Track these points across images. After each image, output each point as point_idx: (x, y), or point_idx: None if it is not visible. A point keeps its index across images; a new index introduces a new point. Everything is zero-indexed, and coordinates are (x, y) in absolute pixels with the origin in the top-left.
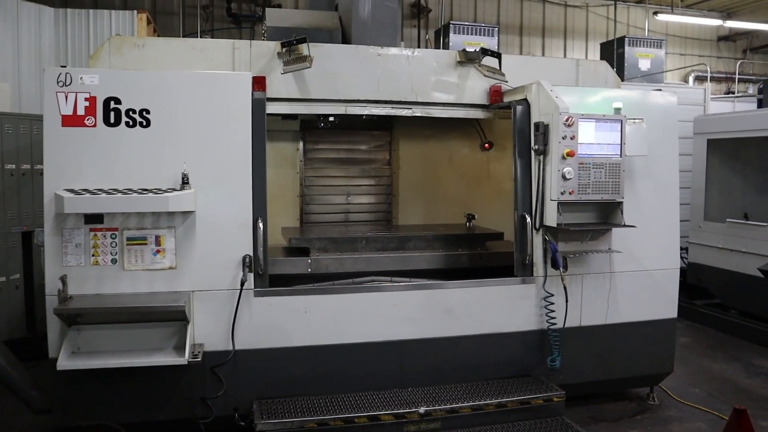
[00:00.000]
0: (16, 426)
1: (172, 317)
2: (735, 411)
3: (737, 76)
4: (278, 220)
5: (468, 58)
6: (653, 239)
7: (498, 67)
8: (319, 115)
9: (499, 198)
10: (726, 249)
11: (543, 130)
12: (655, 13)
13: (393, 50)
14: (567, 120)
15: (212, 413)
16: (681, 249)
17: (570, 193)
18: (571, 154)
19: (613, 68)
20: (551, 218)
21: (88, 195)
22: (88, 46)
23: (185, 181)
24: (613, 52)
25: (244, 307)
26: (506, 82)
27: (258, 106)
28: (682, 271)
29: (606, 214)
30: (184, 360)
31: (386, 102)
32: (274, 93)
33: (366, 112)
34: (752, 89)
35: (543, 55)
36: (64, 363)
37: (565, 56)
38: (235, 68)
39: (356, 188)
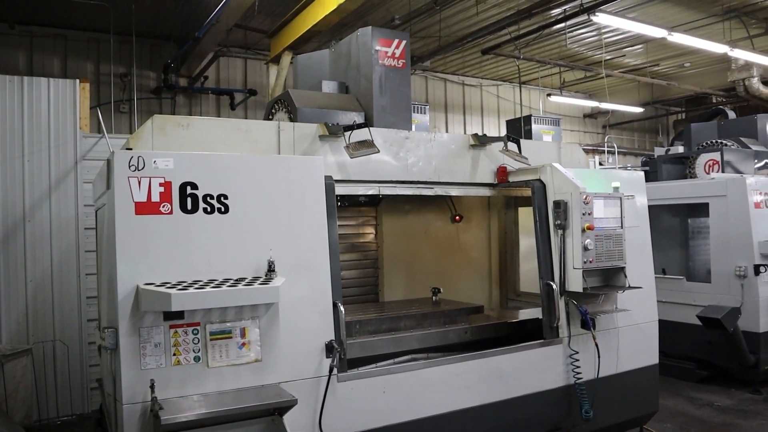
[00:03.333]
0: None
1: (275, 412)
2: None
3: (606, 148)
4: None
5: (480, 142)
6: (639, 296)
7: (518, 151)
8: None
9: (468, 266)
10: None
11: (564, 207)
12: (549, 95)
13: (418, 134)
14: (585, 198)
15: None
16: None
17: (590, 262)
18: (590, 228)
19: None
20: (575, 284)
21: (194, 290)
22: (22, 114)
23: (272, 269)
24: (520, 128)
25: (328, 393)
26: (529, 165)
27: (330, 188)
28: None
29: (607, 278)
30: None
31: (413, 182)
32: None
33: (397, 192)
34: (610, 160)
35: (464, 130)
36: None
37: (482, 130)
38: (280, 150)
39: (347, 263)
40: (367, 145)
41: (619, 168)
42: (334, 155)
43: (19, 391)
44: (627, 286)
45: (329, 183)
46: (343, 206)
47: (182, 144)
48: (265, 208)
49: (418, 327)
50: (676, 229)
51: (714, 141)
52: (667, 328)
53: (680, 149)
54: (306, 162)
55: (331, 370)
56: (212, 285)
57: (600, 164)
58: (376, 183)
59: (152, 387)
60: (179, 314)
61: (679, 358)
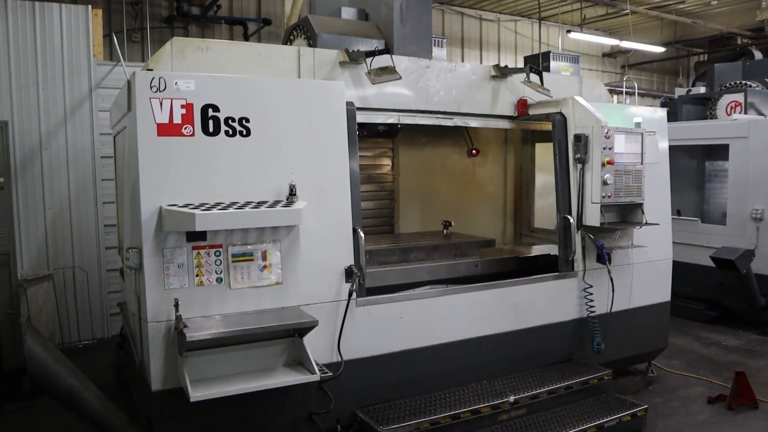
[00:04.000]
0: None
1: (296, 333)
2: (737, 374)
3: (625, 88)
4: None
5: (501, 73)
6: (654, 234)
7: (540, 83)
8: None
9: (483, 201)
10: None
11: (584, 141)
12: (568, 31)
13: (439, 63)
14: (607, 133)
15: (320, 429)
16: None
17: (609, 197)
18: (610, 163)
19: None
20: (593, 219)
21: (217, 211)
22: (35, 41)
23: (293, 192)
24: (539, 65)
25: (347, 317)
26: (551, 97)
27: (351, 114)
28: None
29: (624, 214)
30: (316, 377)
31: (433, 112)
32: None
33: (416, 122)
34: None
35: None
36: (197, 394)
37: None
38: (300, 76)
39: (363, 194)
40: (389, 72)
41: None
42: (354, 82)
43: (41, 315)
44: (644, 222)
45: (350, 109)
46: (360, 136)
47: (201, 68)
48: (286, 132)
49: (428, 259)
50: (693, 172)
51: (737, 82)
52: (679, 270)
53: (702, 90)
54: (328, 87)
55: (350, 295)
56: (235, 207)
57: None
58: (395, 112)
59: (176, 306)
60: (202, 235)
61: (690, 299)
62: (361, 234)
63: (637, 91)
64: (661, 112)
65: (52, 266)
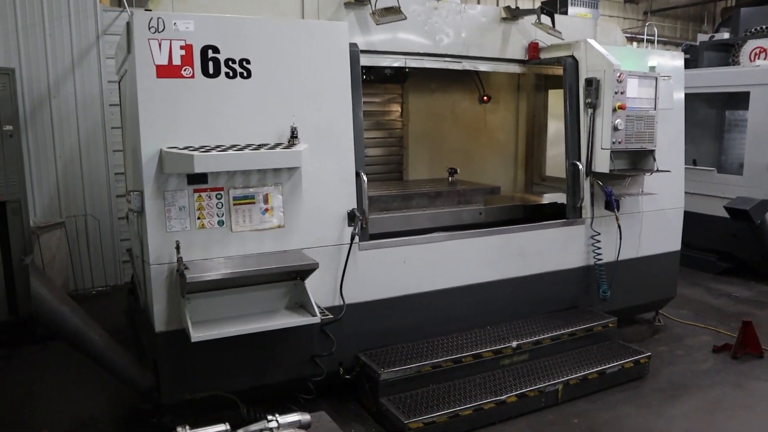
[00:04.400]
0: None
1: (297, 276)
2: (744, 323)
3: (645, 37)
4: None
5: (512, 15)
6: (665, 182)
7: (552, 25)
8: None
9: (493, 149)
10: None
11: (595, 85)
12: None
13: (447, 4)
14: (619, 76)
15: (322, 371)
16: None
17: (619, 143)
18: (622, 107)
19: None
20: (602, 165)
21: (216, 152)
22: None
23: (294, 135)
24: (556, 10)
25: (349, 261)
26: (562, 39)
27: (355, 56)
28: None
29: (635, 161)
30: (317, 319)
31: (441, 56)
32: None
33: (423, 65)
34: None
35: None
36: (198, 334)
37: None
38: (303, 16)
39: (371, 140)
40: (394, 12)
41: None
42: (360, 24)
43: (55, 261)
44: (655, 169)
45: (354, 51)
46: (368, 81)
47: (202, 10)
48: (288, 74)
49: (430, 206)
50: (712, 121)
51: (763, 27)
52: (692, 220)
53: (726, 36)
54: (331, 27)
55: (352, 238)
56: (235, 149)
57: None
58: (402, 55)
59: (177, 248)
60: (203, 178)
61: (702, 250)
62: (364, 178)
63: (656, 38)
64: (678, 58)
65: (65, 214)
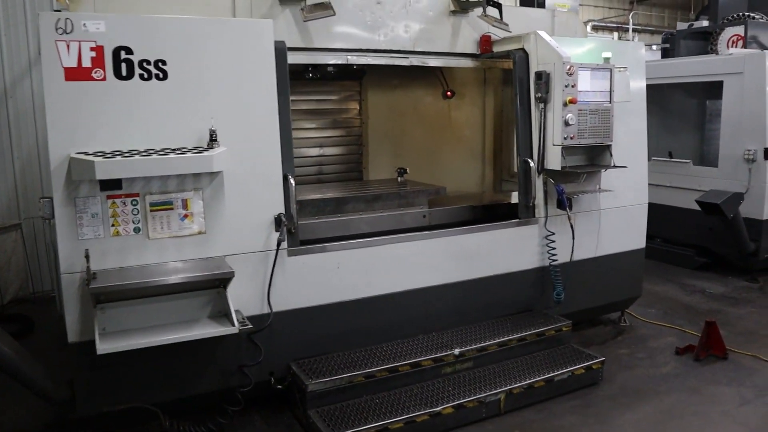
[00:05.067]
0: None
1: (220, 284)
2: (707, 323)
3: (631, 26)
4: None
5: (461, 8)
6: (627, 177)
7: (499, 17)
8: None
9: (459, 146)
10: (652, 184)
11: (545, 78)
12: None
13: None
14: (569, 69)
15: (250, 381)
16: None
17: (571, 138)
18: (573, 102)
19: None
20: (554, 162)
21: (120, 158)
22: None
23: (213, 138)
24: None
25: (278, 267)
26: (510, 32)
27: (281, 54)
28: None
29: (593, 156)
30: (235, 329)
31: (386, 51)
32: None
33: (367, 62)
34: (636, 38)
35: None
36: (104, 346)
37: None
38: (236, 13)
39: (328, 140)
40: (323, 8)
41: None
42: (297, 21)
43: (11, 264)
44: (612, 165)
45: (280, 48)
46: (318, 79)
47: (128, 9)
48: (208, 74)
49: (367, 209)
50: (691, 112)
51: (740, 14)
52: (669, 214)
53: (705, 24)
54: (252, 25)
55: (278, 244)
56: (143, 154)
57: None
58: (344, 52)
59: (87, 257)
60: (117, 184)
61: (680, 245)
62: (292, 182)
63: (631, 27)
64: (638, 48)
65: (23, 215)
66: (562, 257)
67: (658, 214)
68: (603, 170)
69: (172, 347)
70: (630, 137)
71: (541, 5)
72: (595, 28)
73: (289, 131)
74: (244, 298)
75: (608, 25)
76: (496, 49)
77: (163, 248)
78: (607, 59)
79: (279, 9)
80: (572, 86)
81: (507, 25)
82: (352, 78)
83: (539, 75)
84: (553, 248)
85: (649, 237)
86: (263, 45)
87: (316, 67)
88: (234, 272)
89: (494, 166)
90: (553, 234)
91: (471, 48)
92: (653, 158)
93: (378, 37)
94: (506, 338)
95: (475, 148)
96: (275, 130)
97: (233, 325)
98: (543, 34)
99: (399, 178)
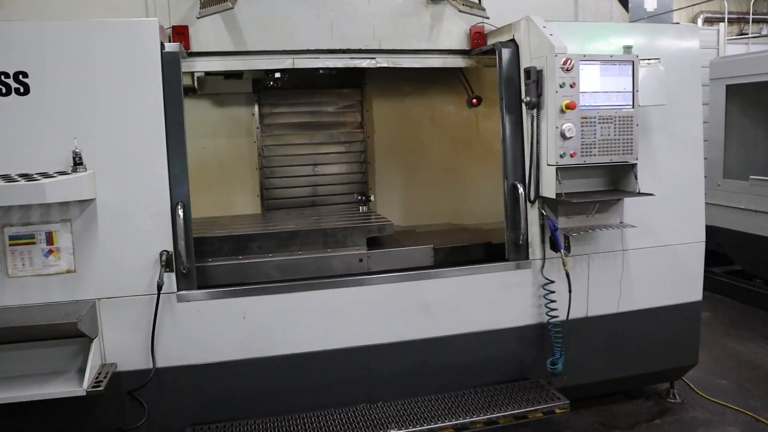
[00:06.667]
0: None
1: (68, 334)
2: None
3: (751, 16)
4: (235, 199)
5: None
6: (673, 208)
7: (477, 1)
8: (267, 72)
9: (490, 161)
10: (749, 210)
11: (536, 77)
12: None
13: None
14: (565, 63)
15: None
16: None
17: (571, 156)
18: (571, 107)
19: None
20: (549, 187)
21: None
22: None
23: (78, 161)
24: None
25: (165, 315)
26: (487, 18)
27: (171, 62)
28: None
29: (616, 180)
30: (81, 390)
31: (343, 51)
32: (202, 46)
33: (319, 65)
34: (766, 30)
35: None
36: None
37: None
38: (149, 16)
39: (324, 156)
40: (218, 0)
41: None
42: (226, 22)
43: None
44: (637, 191)
45: (169, 54)
46: (315, 87)
47: (24, 15)
48: (78, 87)
49: (281, 250)
50: None
51: None
52: (753, 245)
53: None
54: (132, 27)
55: (159, 288)
56: None
57: (743, 34)
58: (287, 54)
59: None
60: None
61: None
62: (180, 212)
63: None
64: (688, 32)
65: None
66: (576, 311)
67: (757, 247)
68: (619, 199)
69: (36, 403)
70: (677, 152)
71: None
72: (708, 21)
73: (181, 151)
74: (128, 350)
75: (728, 16)
76: (492, 41)
77: (25, 288)
78: (628, 49)
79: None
80: (570, 85)
81: (483, 9)
82: (350, 85)
83: (528, 72)
84: (553, 301)
85: (747, 276)
86: (146, 50)
87: (284, 74)
88: (76, 323)
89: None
90: (552, 282)
91: (460, 43)
92: (751, 177)
93: (331, 35)
94: (466, 420)
95: None
96: (162, 152)
97: (81, 384)
98: (536, 18)
99: (361, 208)
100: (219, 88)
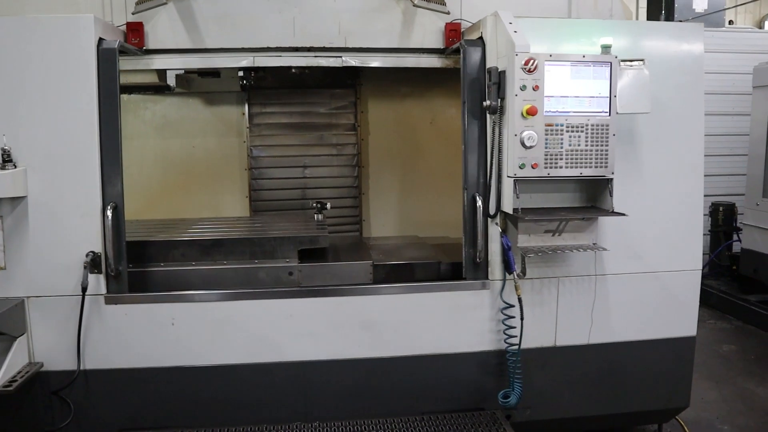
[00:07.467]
0: None
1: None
2: None
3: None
4: (223, 199)
5: None
6: (665, 230)
7: None
8: (249, 71)
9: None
10: None
11: (497, 78)
12: None
13: None
14: (527, 63)
15: None
16: (735, 230)
17: (533, 167)
18: (531, 112)
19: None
20: (507, 201)
21: None
22: None
23: (6, 158)
24: None
25: (93, 317)
26: (447, 13)
27: (107, 59)
28: (735, 260)
29: (594, 196)
30: None
31: (307, 49)
32: (159, 44)
33: (281, 63)
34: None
35: None
36: None
37: None
38: (105, 14)
39: (314, 159)
40: None
41: None
42: (183, 19)
43: None
44: (610, 210)
45: (106, 50)
46: (307, 87)
47: None
48: (8, 84)
49: (204, 258)
50: None
51: None
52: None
53: None
54: (66, 23)
55: (84, 289)
56: None
57: None
58: (246, 52)
59: None
60: None
61: None
62: (109, 213)
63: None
64: (690, 31)
65: None
66: (541, 339)
67: None
68: (588, 218)
69: None
70: (671, 168)
71: None
72: None
73: (115, 151)
74: (55, 349)
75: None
76: (469, 38)
77: None
78: (606, 48)
79: (162, 8)
80: (534, 88)
81: (443, 4)
82: (343, 85)
83: (489, 73)
84: (511, 327)
85: None
86: (80, 46)
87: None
88: None
89: None
90: (511, 306)
91: (435, 41)
92: None
93: (294, 32)
94: None
95: None
96: (93, 150)
97: None
98: (504, 14)
99: (317, 216)
100: (208, 86)
